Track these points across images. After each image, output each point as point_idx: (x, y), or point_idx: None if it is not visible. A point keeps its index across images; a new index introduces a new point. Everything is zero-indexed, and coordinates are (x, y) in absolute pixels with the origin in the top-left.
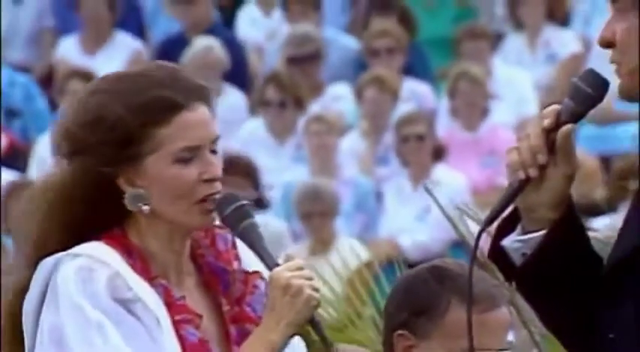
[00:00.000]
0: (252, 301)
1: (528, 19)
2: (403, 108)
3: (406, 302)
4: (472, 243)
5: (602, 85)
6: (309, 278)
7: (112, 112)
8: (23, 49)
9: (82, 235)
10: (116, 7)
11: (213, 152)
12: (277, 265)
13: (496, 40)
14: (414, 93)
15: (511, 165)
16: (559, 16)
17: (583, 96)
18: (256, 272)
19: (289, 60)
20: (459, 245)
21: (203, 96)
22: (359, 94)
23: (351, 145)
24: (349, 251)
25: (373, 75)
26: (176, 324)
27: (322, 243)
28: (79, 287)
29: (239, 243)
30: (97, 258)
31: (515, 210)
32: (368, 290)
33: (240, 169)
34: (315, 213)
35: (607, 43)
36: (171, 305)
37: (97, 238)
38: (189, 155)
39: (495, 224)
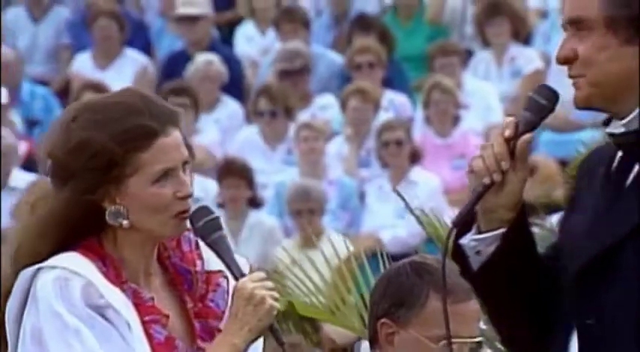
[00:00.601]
0: (214, 297)
1: (495, 38)
2: (383, 116)
3: (389, 294)
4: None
5: (554, 98)
6: (271, 289)
7: (95, 140)
8: (42, 65)
9: (62, 245)
10: (125, 26)
11: (185, 171)
12: (243, 275)
13: (466, 56)
14: (393, 103)
15: (477, 171)
16: (522, 35)
17: (539, 107)
18: (219, 271)
19: (281, 73)
20: (432, 240)
21: (175, 120)
22: (343, 104)
23: (336, 149)
24: (335, 244)
25: (356, 87)
26: (145, 324)
27: (311, 238)
28: (57, 295)
29: (201, 243)
30: (71, 270)
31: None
32: (352, 279)
33: (237, 171)
34: (304, 210)
35: (566, 60)
36: (140, 306)
37: (74, 247)
38: (165, 176)
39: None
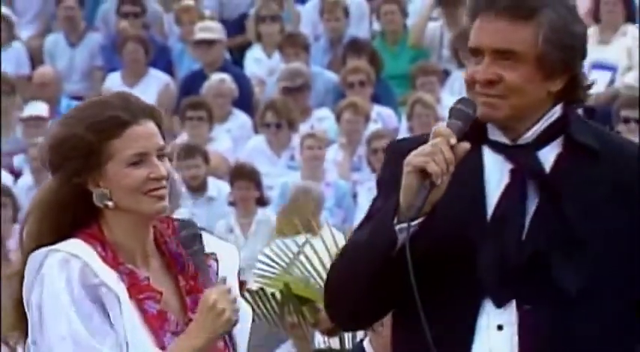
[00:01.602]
0: (210, 277)
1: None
2: (372, 127)
3: None
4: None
5: (475, 107)
6: (234, 301)
7: (74, 134)
8: (78, 83)
9: (66, 231)
10: (150, 50)
11: (161, 157)
12: (212, 285)
13: (444, 75)
14: (381, 115)
15: (435, 173)
16: None
17: (467, 117)
18: (211, 253)
19: (284, 89)
20: None
21: (150, 114)
22: (338, 117)
23: (332, 156)
24: (331, 238)
25: (349, 102)
26: (140, 301)
27: (311, 233)
28: (60, 274)
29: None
30: (72, 253)
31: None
32: None
33: (247, 174)
34: None
35: (490, 83)
36: (135, 285)
37: (77, 233)
38: (138, 159)
39: None
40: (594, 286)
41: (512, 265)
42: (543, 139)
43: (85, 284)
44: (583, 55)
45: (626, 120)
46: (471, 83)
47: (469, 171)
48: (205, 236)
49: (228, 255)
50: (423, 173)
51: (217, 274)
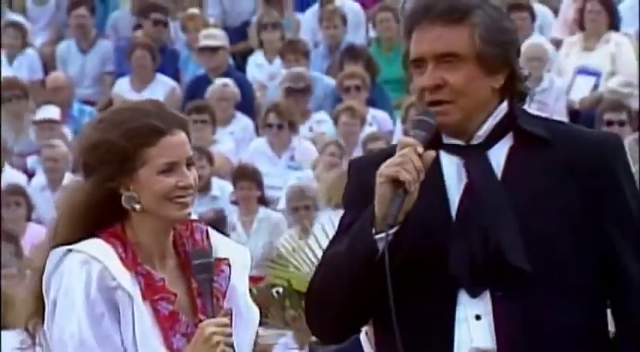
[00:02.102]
0: (218, 279)
1: None
2: (368, 130)
3: None
4: None
5: (435, 117)
6: (229, 335)
7: (109, 139)
8: (89, 88)
9: (90, 228)
10: (157, 57)
11: (190, 166)
12: (213, 316)
13: None
14: (376, 118)
15: (407, 181)
16: None
17: (429, 126)
18: (224, 259)
19: (287, 90)
20: None
21: (182, 124)
22: (336, 119)
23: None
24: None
25: (346, 105)
26: (154, 302)
27: (307, 229)
28: (79, 275)
29: (213, 233)
30: (92, 255)
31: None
32: None
33: (249, 175)
34: (301, 207)
35: (437, 87)
36: (151, 286)
37: (101, 233)
38: (169, 168)
39: None
40: (557, 271)
41: (480, 259)
42: (494, 136)
43: (103, 286)
44: (518, 49)
45: (610, 123)
46: (420, 93)
47: (430, 177)
48: (219, 239)
49: (240, 257)
50: (395, 182)
51: (229, 278)
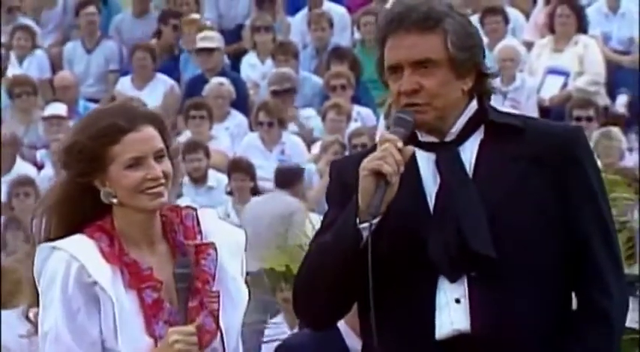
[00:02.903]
0: (206, 263)
1: None
2: (353, 125)
3: None
4: None
5: (413, 116)
6: (193, 344)
7: (78, 141)
8: (94, 86)
9: (75, 226)
10: (156, 57)
11: (160, 158)
12: (185, 323)
13: None
14: (361, 115)
15: (389, 174)
16: None
17: (408, 124)
18: (210, 243)
19: (274, 92)
20: None
21: (150, 120)
22: (323, 116)
23: (318, 150)
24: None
25: (333, 102)
26: (140, 290)
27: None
28: (59, 271)
29: (205, 218)
30: (72, 254)
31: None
32: None
33: (243, 167)
34: None
35: (413, 92)
36: (137, 275)
37: (86, 227)
38: (135, 162)
39: None
40: (527, 257)
41: (454, 247)
42: (466, 132)
43: (81, 282)
44: (483, 51)
45: (578, 119)
46: (397, 97)
47: (407, 174)
48: (212, 223)
49: (233, 239)
50: (377, 175)
51: (216, 261)
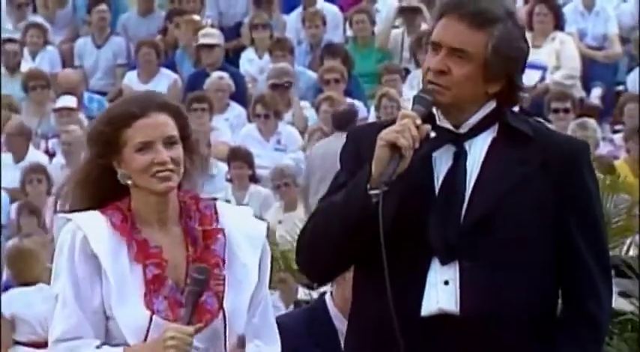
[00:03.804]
0: (216, 247)
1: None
2: None
3: None
4: None
5: (434, 96)
6: (187, 345)
7: (96, 128)
8: (102, 80)
9: (96, 201)
10: (161, 53)
11: (170, 144)
12: (189, 323)
13: (405, 73)
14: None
15: (404, 147)
16: None
17: (427, 103)
18: (219, 229)
19: (273, 86)
20: None
21: (162, 108)
22: (317, 108)
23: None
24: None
25: (326, 95)
26: (145, 265)
27: (290, 204)
28: (67, 241)
29: (223, 209)
30: (78, 225)
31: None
32: None
33: (242, 156)
34: (282, 184)
35: (440, 72)
36: (144, 251)
37: (105, 205)
38: (143, 146)
39: None
40: (521, 250)
41: (454, 231)
42: (480, 127)
43: (85, 252)
44: (523, 67)
45: (556, 111)
46: (426, 71)
47: (421, 156)
48: (230, 213)
49: (249, 230)
50: (393, 147)
51: (225, 247)
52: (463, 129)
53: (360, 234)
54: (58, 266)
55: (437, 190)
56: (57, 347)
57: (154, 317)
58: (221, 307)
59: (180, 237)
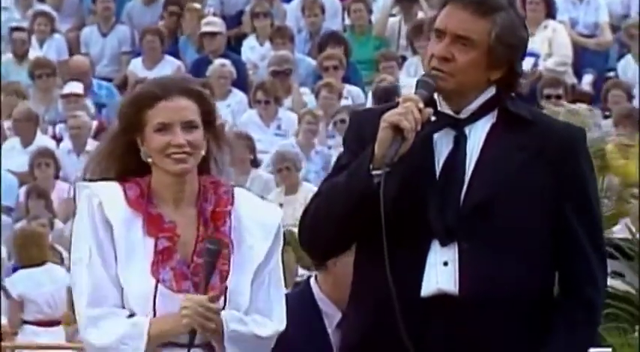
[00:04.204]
0: (224, 229)
1: (420, 48)
2: (344, 102)
3: None
4: None
5: (436, 81)
6: (200, 315)
7: (122, 108)
8: (108, 66)
9: (119, 174)
10: (164, 40)
11: (189, 129)
12: (205, 293)
13: (402, 60)
14: (351, 93)
15: (406, 129)
16: None
17: (430, 87)
18: (227, 211)
19: (274, 72)
20: None
21: (185, 92)
22: (316, 94)
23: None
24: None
25: (325, 82)
26: (157, 238)
27: (291, 187)
28: (85, 205)
29: (239, 196)
30: (94, 192)
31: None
32: None
33: (243, 141)
34: (283, 168)
35: (444, 59)
36: (157, 224)
37: (128, 178)
38: (162, 127)
39: None
40: (519, 234)
41: (454, 213)
42: (480, 112)
43: (102, 217)
44: (523, 54)
45: (548, 97)
46: (429, 58)
47: (422, 139)
48: (246, 200)
49: (263, 217)
50: (395, 129)
51: (232, 229)
52: (463, 115)
53: (362, 213)
54: (78, 232)
55: (437, 173)
56: (91, 314)
57: (159, 285)
58: (224, 285)
59: (195, 217)
